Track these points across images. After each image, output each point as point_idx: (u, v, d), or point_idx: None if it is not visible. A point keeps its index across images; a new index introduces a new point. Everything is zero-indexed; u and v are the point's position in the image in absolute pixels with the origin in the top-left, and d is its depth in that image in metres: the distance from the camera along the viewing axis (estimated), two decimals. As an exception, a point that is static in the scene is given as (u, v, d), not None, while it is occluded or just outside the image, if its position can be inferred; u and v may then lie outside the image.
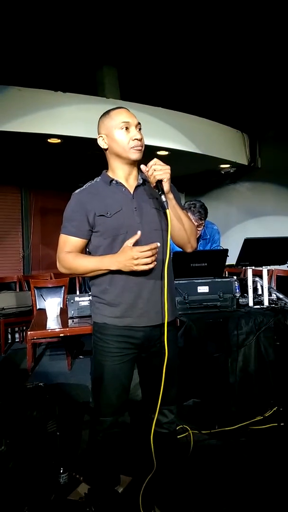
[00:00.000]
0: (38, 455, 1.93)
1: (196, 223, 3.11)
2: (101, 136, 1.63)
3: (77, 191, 1.66)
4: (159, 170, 1.48)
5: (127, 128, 1.57)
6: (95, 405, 1.70)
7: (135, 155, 1.57)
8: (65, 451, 2.09)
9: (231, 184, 6.40)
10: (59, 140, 4.34)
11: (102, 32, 4.23)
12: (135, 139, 1.56)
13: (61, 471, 1.91)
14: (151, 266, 1.47)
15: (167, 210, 1.49)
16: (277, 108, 5.13)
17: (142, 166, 1.54)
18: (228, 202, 6.49)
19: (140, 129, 1.60)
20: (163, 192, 1.49)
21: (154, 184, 1.50)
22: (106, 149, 1.64)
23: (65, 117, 4.16)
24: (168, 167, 1.50)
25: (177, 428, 2.43)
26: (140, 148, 1.58)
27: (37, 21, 3.94)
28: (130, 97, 4.61)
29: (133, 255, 1.45)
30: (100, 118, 1.65)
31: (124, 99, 4.64)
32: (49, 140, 4.34)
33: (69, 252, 1.60)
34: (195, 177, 6.38)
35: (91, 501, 1.78)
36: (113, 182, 1.63)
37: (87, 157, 5.25)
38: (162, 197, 1.49)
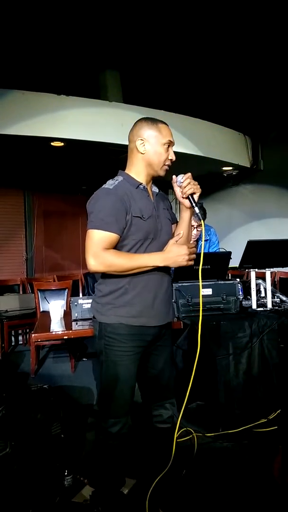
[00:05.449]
0: (43, 458, 1.94)
1: (196, 224, 3.16)
2: (142, 140, 1.65)
3: (111, 187, 1.62)
4: (193, 184, 1.63)
5: (168, 146, 1.68)
6: (106, 408, 1.69)
7: (164, 173, 1.70)
8: (69, 454, 2.09)
9: (234, 186, 6.40)
10: (62, 143, 4.36)
11: (105, 35, 4.25)
12: (170, 159, 1.68)
13: (66, 473, 1.91)
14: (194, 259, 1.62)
15: (202, 221, 1.68)
16: (280, 110, 5.13)
17: (173, 177, 1.67)
18: (231, 205, 6.49)
19: None
20: (196, 205, 1.64)
21: (185, 196, 1.65)
22: (141, 153, 1.67)
23: (68, 120, 4.17)
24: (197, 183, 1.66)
25: (181, 431, 2.44)
26: (168, 168, 1.70)
27: (40, 25, 3.97)
28: (133, 100, 4.62)
29: (186, 252, 1.58)
30: (141, 122, 1.69)
31: (127, 102, 4.66)
32: (52, 144, 4.36)
33: (108, 249, 1.54)
34: (198, 180, 6.29)
35: (97, 502, 1.78)
36: (140, 186, 1.68)
37: (90, 161, 5.27)
38: (196, 208, 1.64)
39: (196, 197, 1.65)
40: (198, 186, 1.64)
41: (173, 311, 1.88)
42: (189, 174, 1.65)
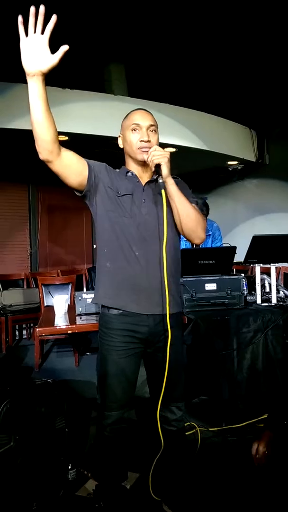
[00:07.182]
0: (47, 451, 1.94)
1: None
2: (120, 136, 1.71)
3: None
4: (157, 155, 1.53)
5: (137, 130, 1.62)
6: (101, 400, 1.72)
7: (141, 156, 1.62)
8: (73, 448, 2.10)
9: (239, 181, 6.35)
10: (66, 137, 4.34)
11: (109, 29, 4.22)
12: (141, 140, 1.61)
13: (70, 467, 1.92)
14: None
15: (162, 190, 1.54)
16: (286, 104, 5.08)
17: (143, 156, 1.60)
18: (236, 199, 6.45)
19: (153, 130, 1.64)
20: (160, 175, 1.54)
21: (153, 169, 1.57)
22: (122, 149, 1.71)
23: (72, 114, 4.15)
24: (167, 152, 1.55)
25: (185, 425, 2.44)
26: (146, 149, 1.59)
27: (44, 18, 3.94)
28: (138, 93, 4.59)
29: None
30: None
31: (132, 95, 4.62)
32: (56, 137, 4.34)
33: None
34: (203, 174, 6.34)
35: (99, 497, 1.79)
36: (129, 173, 1.68)
37: (94, 155, 5.25)
38: (159, 179, 1.55)
39: (164, 167, 1.53)
40: (164, 155, 1.52)
41: (176, 303, 1.68)
42: (154, 146, 1.57)
